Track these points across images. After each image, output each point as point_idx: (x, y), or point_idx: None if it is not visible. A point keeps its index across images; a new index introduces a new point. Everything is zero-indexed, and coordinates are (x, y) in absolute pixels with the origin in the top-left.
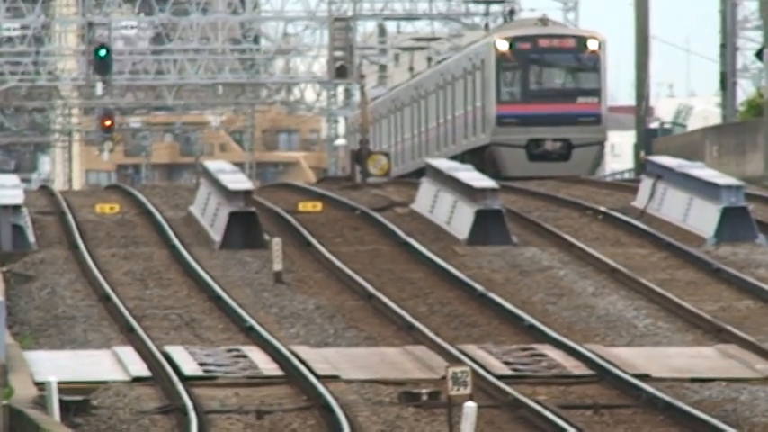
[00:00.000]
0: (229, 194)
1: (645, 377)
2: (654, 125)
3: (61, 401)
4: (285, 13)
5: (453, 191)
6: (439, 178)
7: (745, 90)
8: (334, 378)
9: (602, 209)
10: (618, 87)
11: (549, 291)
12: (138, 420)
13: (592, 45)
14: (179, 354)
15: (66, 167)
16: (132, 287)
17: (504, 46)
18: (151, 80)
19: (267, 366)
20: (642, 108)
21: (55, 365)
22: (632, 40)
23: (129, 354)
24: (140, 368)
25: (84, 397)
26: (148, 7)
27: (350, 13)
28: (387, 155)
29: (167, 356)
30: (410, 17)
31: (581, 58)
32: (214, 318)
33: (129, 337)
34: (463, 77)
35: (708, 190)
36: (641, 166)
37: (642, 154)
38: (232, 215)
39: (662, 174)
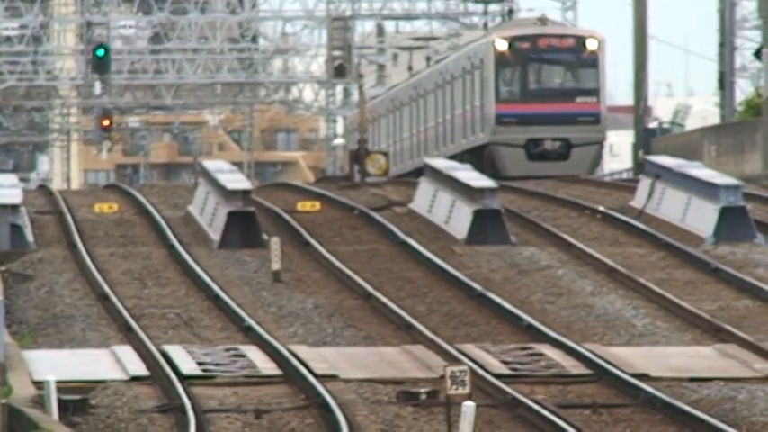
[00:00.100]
0: (228, 194)
1: (643, 376)
2: (652, 125)
3: (60, 400)
4: (283, 12)
5: (452, 190)
6: (437, 178)
7: (743, 90)
8: (333, 377)
9: (601, 208)
10: (616, 87)
11: (547, 290)
12: (137, 419)
13: (591, 44)
14: (177, 353)
15: (65, 167)
16: (131, 286)
17: (503, 45)
18: (150, 80)
19: (265, 365)
20: (641, 108)
21: (53, 364)
22: (631, 39)
23: (127, 353)
24: (139, 367)
25: (83, 396)
26: (147, 7)
27: (348, 13)
28: (385, 154)
29: (166, 356)
30: (408, 17)
31: (580, 58)
32: (212, 317)
33: (128, 336)
34: (462, 77)
35: (706, 189)
36: (640, 166)
37: (641, 154)
38: (230, 215)
39: (660, 173)
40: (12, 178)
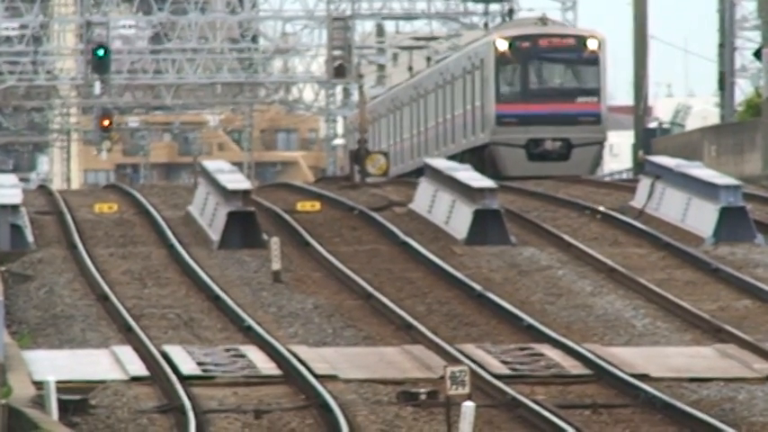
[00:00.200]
0: (228, 194)
1: (643, 377)
2: (652, 125)
3: (59, 401)
4: (283, 12)
5: (452, 190)
6: (437, 178)
7: (743, 90)
8: (333, 377)
9: (601, 209)
10: (616, 87)
11: (547, 290)
12: (137, 420)
13: (591, 44)
14: (177, 353)
15: (65, 167)
16: (130, 287)
17: (503, 45)
18: (149, 79)
19: (265, 366)
20: (641, 108)
21: (53, 365)
22: (631, 39)
23: (127, 353)
24: (139, 367)
25: (83, 396)
26: (147, 6)
27: (348, 13)
28: (385, 154)
29: (166, 356)
30: (408, 17)
31: (581, 58)
32: (212, 317)
33: (128, 336)
34: (462, 77)
35: (706, 190)
36: (640, 166)
37: (641, 154)
38: (230, 215)
39: (660, 173)
40: (12, 178)
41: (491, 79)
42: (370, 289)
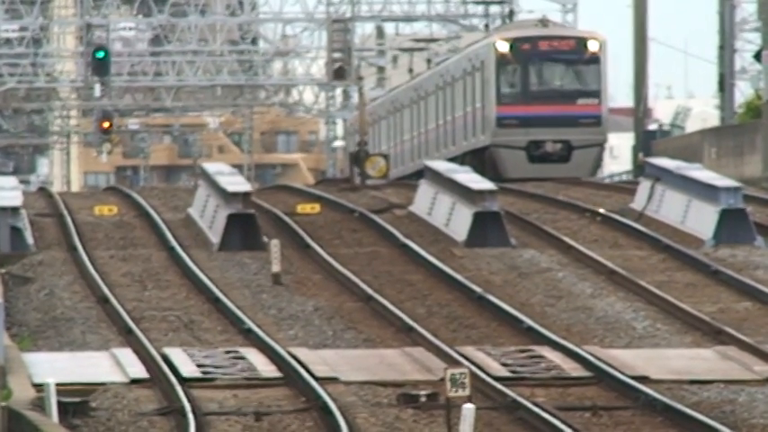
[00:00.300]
0: (228, 196)
1: (643, 379)
2: (652, 127)
3: (60, 403)
4: (283, 14)
5: (452, 193)
6: (437, 180)
7: (743, 92)
8: (333, 380)
9: (601, 211)
10: (616, 89)
11: (547, 292)
12: (137, 422)
13: (592, 46)
14: (177, 355)
15: (65, 169)
16: (131, 289)
17: (504, 47)
18: (149, 82)
19: (266, 368)
20: (640, 110)
21: (53, 367)
22: (631, 41)
23: (127, 355)
24: (139, 370)
25: (83, 399)
26: (147, 9)
27: (348, 15)
28: (385, 157)
29: (166, 358)
30: (408, 19)
31: (581, 59)
32: (213, 319)
33: (128, 338)
34: (463, 78)
35: (706, 192)
36: (640, 168)
37: (641, 156)
38: (230, 217)
39: (660, 175)
40: (12, 181)
41: (491, 81)
42: (370, 291)
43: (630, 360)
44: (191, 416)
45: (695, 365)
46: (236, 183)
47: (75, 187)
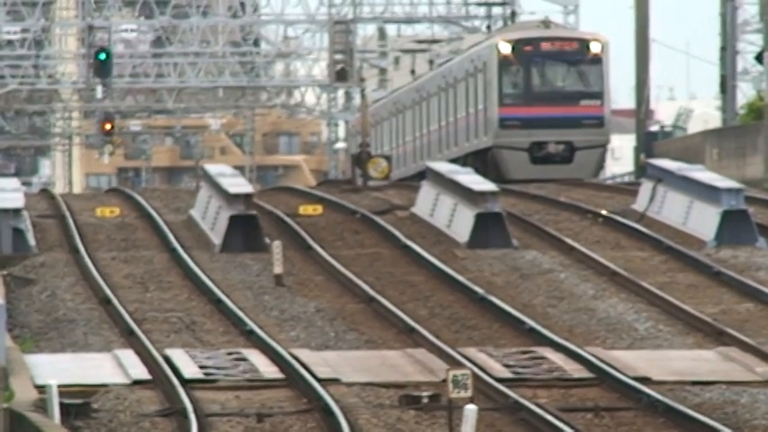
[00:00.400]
0: (230, 198)
1: (645, 380)
2: (654, 128)
3: (62, 405)
4: (285, 16)
5: (454, 194)
6: (439, 181)
7: (745, 93)
8: (335, 381)
9: (603, 212)
10: (618, 90)
11: (549, 294)
12: (139, 423)
13: (594, 47)
14: (179, 357)
15: (67, 171)
16: (133, 290)
17: (506, 48)
18: (151, 83)
19: (268, 369)
20: (642, 111)
21: (55, 369)
22: (632, 43)
23: (129, 357)
24: (141, 371)
25: (85, 400)
26: (149, 10)
27: (350, 17)
28: (387, 158)
29: (168, 359)
30: (410, 20)
31: (584, 61)
32: (214, 321)
33: (130, 340)
34: (465, 80)
35: (708, 193)
36: (641, 170)
37: (642, 157)
38: (232, 218)
39: (662, 177)
40: (14, 182)
41: (494, 82)
42: (372, 292)
43: (632, 361)
44: (193, 417)
45: (697, 367)
46: (238, 184)
47: (77, 189)
